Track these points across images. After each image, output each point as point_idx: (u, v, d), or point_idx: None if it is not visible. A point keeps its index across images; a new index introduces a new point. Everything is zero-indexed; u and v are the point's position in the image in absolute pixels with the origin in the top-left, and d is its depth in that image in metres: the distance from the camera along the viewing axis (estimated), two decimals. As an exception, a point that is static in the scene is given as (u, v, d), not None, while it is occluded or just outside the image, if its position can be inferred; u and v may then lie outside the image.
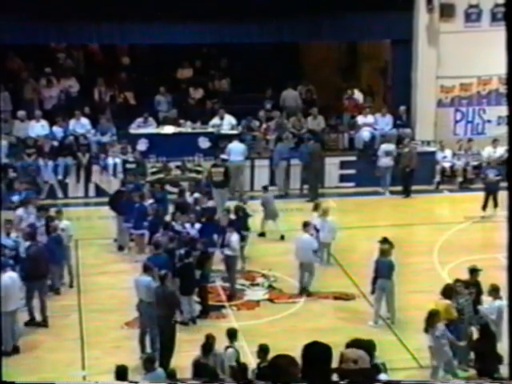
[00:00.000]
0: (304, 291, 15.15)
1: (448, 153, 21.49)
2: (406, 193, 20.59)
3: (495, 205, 18.14)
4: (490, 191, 18.26)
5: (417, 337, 13.44)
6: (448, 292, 12.55)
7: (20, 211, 16.31)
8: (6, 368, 12.45)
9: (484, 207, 18.29)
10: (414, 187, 20.60)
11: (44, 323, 14.00)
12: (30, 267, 13.93)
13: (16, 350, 13.16)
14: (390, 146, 20.96)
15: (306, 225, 15.38)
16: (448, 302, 12.40)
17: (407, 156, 20.62)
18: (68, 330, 13.94)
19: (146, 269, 13.23)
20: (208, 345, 11.41)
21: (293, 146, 21.15)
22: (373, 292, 14.04)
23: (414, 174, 20.52)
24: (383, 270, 13.86)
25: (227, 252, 15.00)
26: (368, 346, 7.28)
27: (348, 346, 5.88)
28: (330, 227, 16.04)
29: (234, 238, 14.99)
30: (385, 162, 20.77)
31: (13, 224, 15.36)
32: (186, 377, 11.38)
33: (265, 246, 17.24)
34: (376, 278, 13.90)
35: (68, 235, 15.56)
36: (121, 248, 17.11)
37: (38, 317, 14.09)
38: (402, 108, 21.80)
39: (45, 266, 14.19)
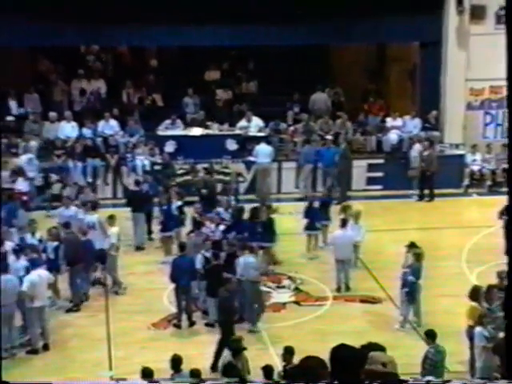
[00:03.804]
0: (346, 288, 15.29)
1: (478, 156, 21.30)
2: (430, 196, 20.47)
3: None
4: None
5: (444, 341, 13.33)
6: (475, 294, 12.46)
7: (61, 210, 16.45)
8: (34, 367, 12.66)
9: None
10: (442, 190, 20.45)
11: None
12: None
13: (46, 348, 13.32)
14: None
15: (344, 222, 15.58)
16: (474, 304, 12.32)
17: (427, 160, 20.49)
18: (95, 331, 14.04)
19: (251, 249, 14.17)
20: (237, 346, 11.40)
21: (321, 149, 21.09)
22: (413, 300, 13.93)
23: (434, 178, 20.38)
24: (419, 274, 13.80)
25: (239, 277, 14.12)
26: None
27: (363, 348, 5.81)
28: (359, 230, 16.03)
29: (240, 260, 14.18)
30: (418, 162, 20.65)
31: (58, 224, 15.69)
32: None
33: (291, 248, 17.19)
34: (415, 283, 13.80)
35: (110, 243, 15.41)
36: (138, 249, 17.24)
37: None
38: (434, 112, 21.65)
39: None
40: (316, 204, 17.19)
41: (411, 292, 13.78)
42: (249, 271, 13.94)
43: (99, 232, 15.54)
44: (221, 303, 13.27)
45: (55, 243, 14.74)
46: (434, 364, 11.19)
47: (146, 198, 17.71)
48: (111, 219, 15.73)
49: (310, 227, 16.87)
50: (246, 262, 14.03)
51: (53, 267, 14.19)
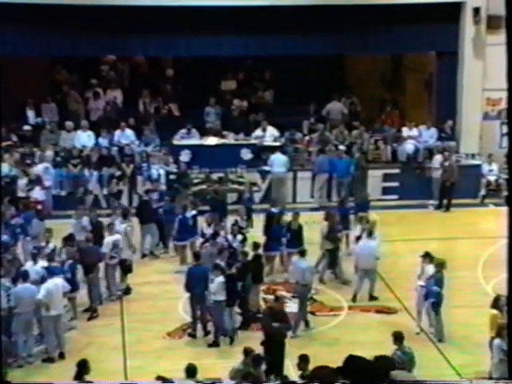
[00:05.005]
0: (369, 298, 15.31)
1: (494, 166, 21.22)
2: (446, 207, 20.41)
3: None
4: None
5: (460, 351, 13.25)
6: (497, 304, 12.37)
7: (84, 221, 16.48)
8: (50, 375, 12.70)
9: None
10: (458, 201, 20.39)
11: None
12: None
13: (61, 356, 13.36)
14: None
15: (370, 233, 15.51)
16: (494, 312, 12.23)
17: (448, 170, 20.44)
18: (111, 340, 14.06)
19: (303, 253, 14.50)
20: (258, 357, 11.32)
21: (333, 159, 21.05)
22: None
23: (454, 188, 20.33)
24: (441, 284, 13.74)
25: (212, 297, 13.76)
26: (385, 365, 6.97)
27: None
28: (374, 240, 15.98)
29: (218, 280, 13.65)
30: (440, 173, 20.61)
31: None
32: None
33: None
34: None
35: (102, 252, 15.13)
36: (153, 257, 17.31)
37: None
38: (450, 122, 21.62)
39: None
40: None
41: (438, 302, 13.66)
42: (306, 275, 14.11)
43: (125, 241, 15.59)
44: (265, 324, 13.05)
45: (70, 261, 14.53)
46: (400, 366, 11.11)
47: (155, 207, 17.65)
48: (110, 228, 15.69)
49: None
50: (305, 266, 14.21)
51: (71, 286, 14.12)
